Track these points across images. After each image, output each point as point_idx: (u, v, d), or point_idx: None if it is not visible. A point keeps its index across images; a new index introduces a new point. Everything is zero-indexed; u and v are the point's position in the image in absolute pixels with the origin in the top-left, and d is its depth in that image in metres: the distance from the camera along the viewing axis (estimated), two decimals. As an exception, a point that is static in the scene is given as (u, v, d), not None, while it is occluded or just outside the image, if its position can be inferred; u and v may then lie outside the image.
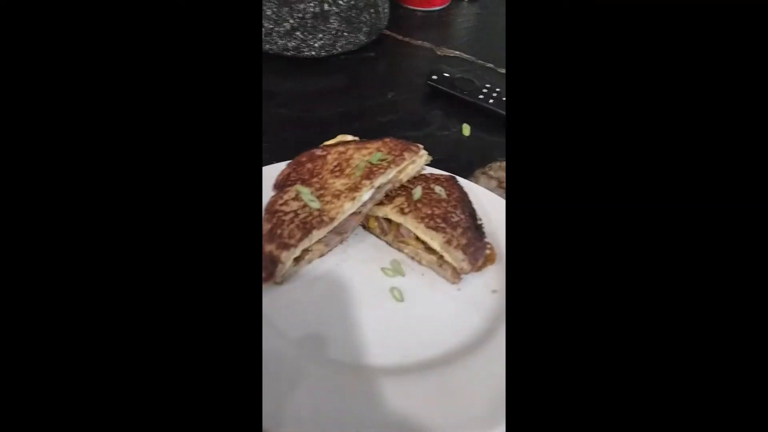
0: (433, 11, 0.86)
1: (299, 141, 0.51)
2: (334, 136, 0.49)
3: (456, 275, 0.37)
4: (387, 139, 0.44)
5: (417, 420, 0.27)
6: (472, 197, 0.44)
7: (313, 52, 0.66)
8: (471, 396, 0.29)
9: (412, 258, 0.40)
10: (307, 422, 0.26)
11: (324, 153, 0.42)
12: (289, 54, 0.66)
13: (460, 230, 0.37)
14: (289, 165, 0.42)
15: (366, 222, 0.42)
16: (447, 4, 0.88)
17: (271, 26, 0.64)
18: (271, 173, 0.43)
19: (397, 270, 0.38)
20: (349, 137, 0.48)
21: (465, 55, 0.75)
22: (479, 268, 0.38)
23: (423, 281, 0.38)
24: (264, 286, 0.34)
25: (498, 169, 0.55)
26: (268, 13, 0.63)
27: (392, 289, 0.36)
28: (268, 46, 0.66)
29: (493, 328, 0.34)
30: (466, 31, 0.84)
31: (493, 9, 0.90)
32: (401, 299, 0.36)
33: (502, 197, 0.46)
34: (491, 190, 0.47)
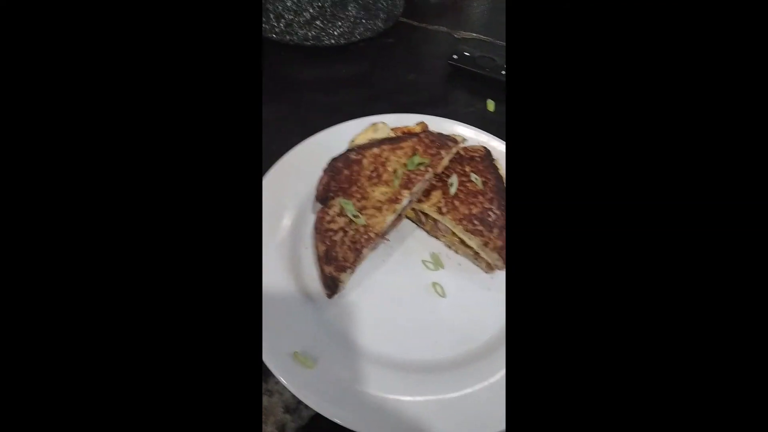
0: None
1: (328, 123, 0.52)
2: (360, 117, 0.49)
3: (490, 268, 0.39)
4: (422, 134, 0.43)
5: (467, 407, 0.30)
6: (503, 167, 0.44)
7: (333, 41, 0.64)
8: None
9: (449, 247, 0.41)
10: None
11: (358, 157, 0.41)
12: (309, 44, 0.64)
13: (496, 231, 0.37)
14: (325, 172, 0.42)
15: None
16: None
17: (291, 17, 0.65)
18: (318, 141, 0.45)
19: (437, 263, 0.40)
20: (380, 124, 0.46)
21: (483, 37, 0.72)
22: None
23: (460, 272, 0.40)
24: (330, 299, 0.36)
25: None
26: (288, 4, 0.64)
27: (434, 285, 0.38)
28: (288, 36, 0.67)
29: None
30: (482, 14, 0.80)
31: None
32: (443, 295, 0.38)
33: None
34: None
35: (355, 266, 0.36)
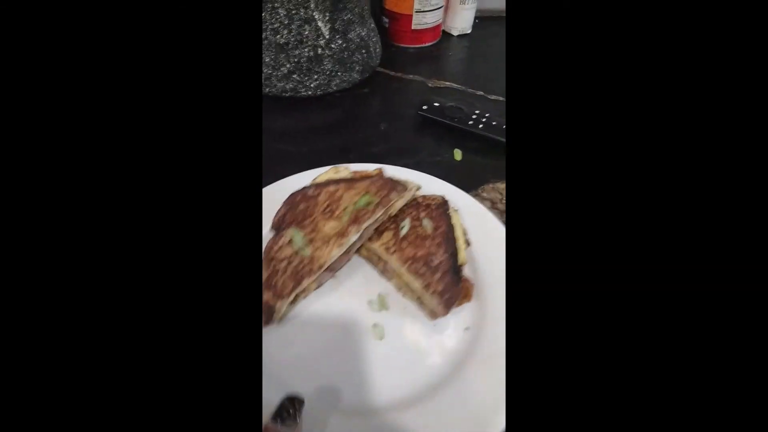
0: (425, 47, 0.87)
1: (298, 172, 0.54)
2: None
3: (434, 315, 0.39)
4: (375, 177, 0.45)
5: None
6: (464, 217, 0.46)
7: (310, 92, 0.67)
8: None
9: (398, 290, 0.42)
10: None
11: (316, 192, 0.43)
12: (287, 95, 0.69)
13: (438, 275, 0.38)
14: (284, 203, 0.43)
15: (359, 250, 0.43)
16: (437, 40, 0.90)
17: (269, 71, 0.69)
18: (283, 186, 0.46)
19: (382, 304, 0.40)
20: (342, 168, 0.48)
21: (455, 85, 0.75)
22: (456, 305, 0.39)
23: (404, 315, 0.40)
24: (265, 327, 0.36)
25: (491, 191, 0.57)
26: (267, 59, 0.68)
27: (374, 326, 0.38)
28: (267, 89, 0.70)
29: (459, 367, 0.36)
30: (457, 63, 0.83)
31: (482, 41, 0.88)
32: (381, 337, 0.38)
33: (495, 217, 0.48)
34: (483, 211, 0.48)
35: (292, 295, 0.37)
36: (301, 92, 0.68)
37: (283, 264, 0.38)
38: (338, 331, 0.38)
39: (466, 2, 0.87)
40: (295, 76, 0.66)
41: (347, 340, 0.38)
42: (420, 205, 0.45)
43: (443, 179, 0.52)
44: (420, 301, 0.40)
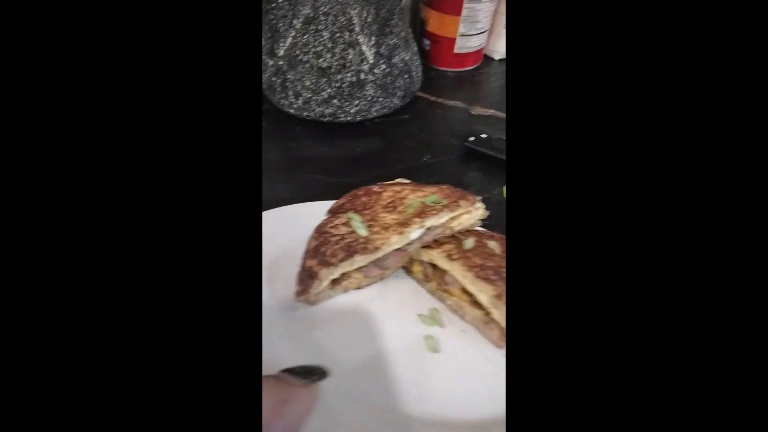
0: (465, 71, 0.84)
1: None
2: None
3: (503, 337, 0.32)
4: (444, 186, 0.41)
5: None
6: None
7: (349, 117, 0.64)
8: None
9: (455, 311, 0.35)
10: None
11: (381, 190, 0.41)
12: (325, 120, 0.65)
13: None
14: (345, 196, 0.41)
15: (410, 266, 0.38)
16: (478, 64, 0.86)
17: (309, 95, 0.67)
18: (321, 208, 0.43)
19: (435, 319, 0.34)
20: (407, 181, 0.45)
21: (499, 113, 0.71)
22: None
23: (463, 338, 0.33)
24: (297, 300, 0.34)
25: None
26: (307, 83, 0.66)
27: (427, 338, 0.32)
28: (306, 113, 0.68)
29: None
30: (499, 89, 0.79)
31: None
32: (436, 350, 0.32)
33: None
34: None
35: (340, 267, 0.33)
36: (340, 117, 0.65)
37: (336, 238, 0.35)
38: (382, 332, 0.33)
39: (512, 27, 0.83)
40: (335, 101, 0.64)
41: (392, 344, 0.33)
42: (483, 234, 0.41)
43: (493, 217, 0.48)
44: (486, 320, 0.33)
